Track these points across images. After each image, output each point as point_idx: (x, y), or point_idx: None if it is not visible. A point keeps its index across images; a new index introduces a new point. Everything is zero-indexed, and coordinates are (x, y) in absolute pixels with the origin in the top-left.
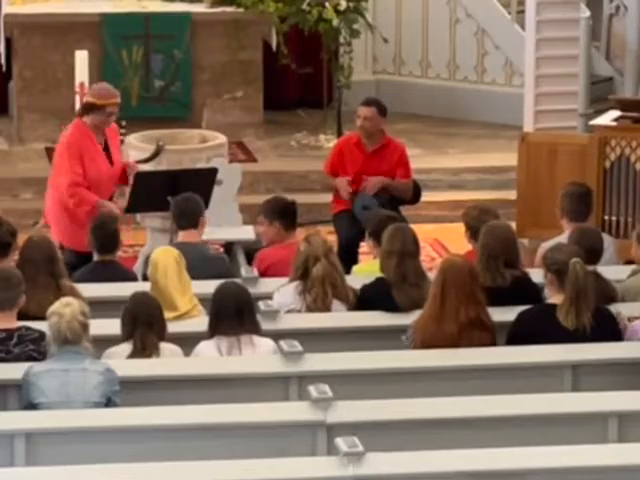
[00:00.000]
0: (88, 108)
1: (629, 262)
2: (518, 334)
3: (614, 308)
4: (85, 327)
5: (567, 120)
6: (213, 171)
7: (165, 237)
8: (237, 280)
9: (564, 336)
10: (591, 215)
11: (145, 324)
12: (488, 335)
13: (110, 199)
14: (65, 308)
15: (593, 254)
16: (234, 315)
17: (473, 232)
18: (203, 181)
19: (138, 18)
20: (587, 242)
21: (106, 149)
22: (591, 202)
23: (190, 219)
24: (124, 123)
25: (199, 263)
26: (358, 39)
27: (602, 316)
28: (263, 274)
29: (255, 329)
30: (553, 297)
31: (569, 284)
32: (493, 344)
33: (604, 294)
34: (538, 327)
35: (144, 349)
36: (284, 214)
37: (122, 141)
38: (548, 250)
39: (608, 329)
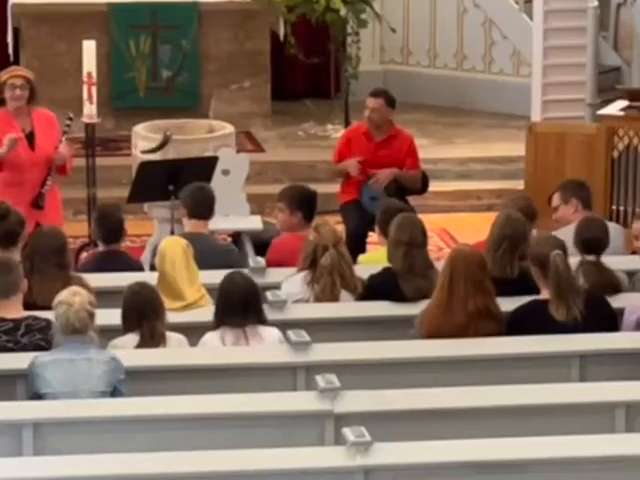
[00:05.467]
0: (0, 90)
1: (635, 252)
2: (514, 331)
3: (621, 298)
4: (92, 316)
5: (575, 110)
6: (213, 159)
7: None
8: (244, 270)
9: (558, 329)
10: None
11: (152, 314)
12: (496, 325)
13: (42, 185)
14: (74, 297)
15: (598, 243)
16: (239, 307)
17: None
18: (204, 170)
19: (146, 8)
20: (593, 231)
21: (31, 136)
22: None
23: (210, 209)
24: (71, 114)
25: (208, 253)
26: (366, 29)
27: (594, 303)
28: (278, 263)
29: (260, 320)
30: (544, 291)
31: (551, 277)
32: (501, 334)
33: (608, 284)
34: (532, 323)
35: (153, 338)
36: (308, 205)
37: (65, 132)
38: (533, 244)
39: (602, 316)
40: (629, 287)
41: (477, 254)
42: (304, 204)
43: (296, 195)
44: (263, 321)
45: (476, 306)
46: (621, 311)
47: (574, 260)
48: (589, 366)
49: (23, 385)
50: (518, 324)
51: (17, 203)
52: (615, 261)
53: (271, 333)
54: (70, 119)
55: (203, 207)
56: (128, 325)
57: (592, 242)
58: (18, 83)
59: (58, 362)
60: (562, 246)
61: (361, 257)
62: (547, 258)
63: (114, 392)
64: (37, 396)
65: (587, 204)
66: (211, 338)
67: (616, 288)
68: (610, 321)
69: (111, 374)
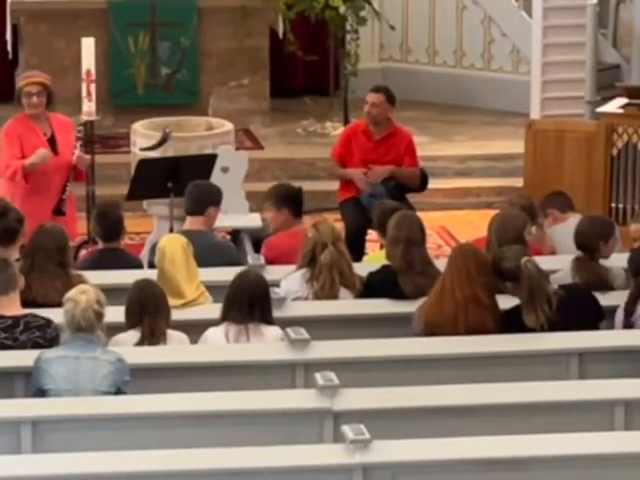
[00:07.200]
0: (18, 96)
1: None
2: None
3: (612, 296)
4: (99, 316)
5: (574, 107)
6: (212, 157)
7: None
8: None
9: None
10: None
11: (153, 311)
12: (486, 313)
13: (62, 191)
14: (81, 295)
15: (587, 241)
16: (246, 305)
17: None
18: (203, 167)
19: (145, 5)
20: (583, 229)
21: (52, 140)
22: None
23: (195, 205)
24: (84, 120)
25: (206, 250)
26: (365, 26)
27: (576, 298)
28: (272, 262)
29: (265, 320)
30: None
31: (523, 285)
32: (494, 324)
33: (599, 281)
34: (511, 330)
35: (152, 335)
36: (293, 201)
37: (79, 138)
38: (497, 262)
39: (585, 310)
40: (627, 285)
41: (470, 248)
42: (289, 201)
43: (281, 193)
44: (268, 321)
45: (463, 294)
46: (612, 308)
47: (568, 258)
48: (588, 364)
49: (22, 382)
50: (501, 329)
51: (40, 211)
52: (611, 258)
53: (273, 332)
54: (83, 125)
55: (196, 203)
56: (130, 321)
57: (581, 240)
58: (34, 90)
59: (64, 359)
60: (524, 252)
61: (366, 258)
62: (518, 269)
63: (117, 393)
64: (40, 392)
65: (566, 206)
66: (214, 332)
67: (608, 285)
68: (596, 314)
69: (116, 375)
